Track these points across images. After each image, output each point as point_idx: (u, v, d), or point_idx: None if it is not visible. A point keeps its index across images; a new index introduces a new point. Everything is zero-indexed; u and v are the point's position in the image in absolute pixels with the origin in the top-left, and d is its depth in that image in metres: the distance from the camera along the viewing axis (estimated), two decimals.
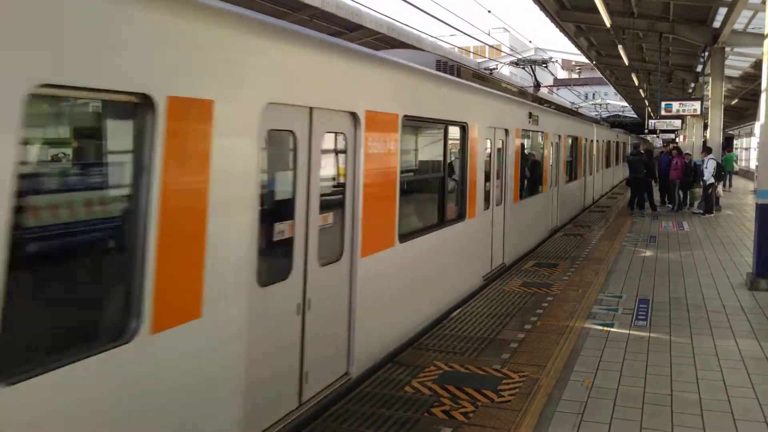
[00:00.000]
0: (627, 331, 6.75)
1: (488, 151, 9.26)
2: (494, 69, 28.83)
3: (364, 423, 4.51)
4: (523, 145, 11.56)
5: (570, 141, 16.61)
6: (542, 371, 5.55)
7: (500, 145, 9.91)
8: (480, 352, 6.06)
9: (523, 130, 11.18)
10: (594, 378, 5.43)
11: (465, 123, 7.97)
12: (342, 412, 4.68)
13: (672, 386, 5.24)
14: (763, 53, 9.38)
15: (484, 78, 10.60)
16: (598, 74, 41.87)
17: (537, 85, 16.00)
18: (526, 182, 11.86)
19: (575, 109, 37.36)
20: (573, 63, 70.23)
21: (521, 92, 13.80)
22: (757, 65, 20.52)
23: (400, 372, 5.49)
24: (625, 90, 43.94)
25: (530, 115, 11.69)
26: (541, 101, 16.68)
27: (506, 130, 10.05)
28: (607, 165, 26.54)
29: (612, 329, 6.82)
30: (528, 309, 7.60)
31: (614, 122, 43.02)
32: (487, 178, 9.14)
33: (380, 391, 5.06)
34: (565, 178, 15.74)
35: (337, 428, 4.44)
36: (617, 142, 30.89)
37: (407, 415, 4.65)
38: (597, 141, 22.18)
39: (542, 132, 12.98)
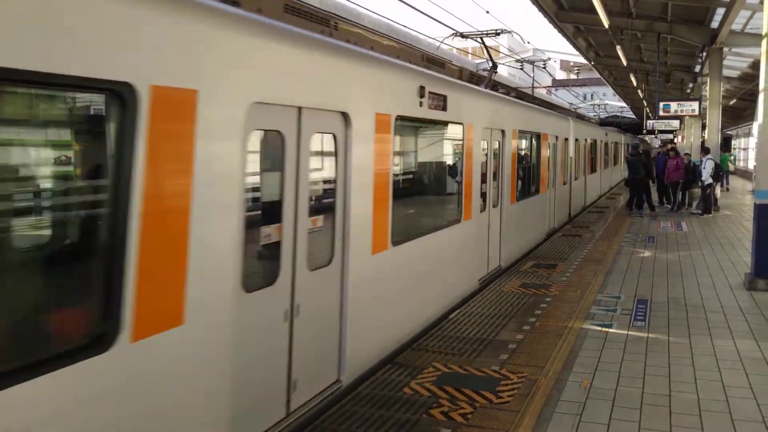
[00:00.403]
0: (625, 332, 6.75)
1: (252, 158, 4.16)
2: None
3: (363, 424, 4.51)
4: (411, 145, 7.46)
5: (528, 140, 12.40)
6: (541, 372, 5.56)
7: (330, 146, 5.13)
8: (478, 353, 6.06)
9: (402, 117, 6.24)
10: (592, 379, 5.43)
11: (125, 88, 3.07)
12: (340, 414, 4.68)
13: (670, 387, 5.25)
14: (761, 53, 9.39)
15: (310, 15, 6.21)
16: (596, 75, 41.92)
17: (494, 66, 12.27)
18: (411, 213, 7.19)
19: (578, 109, 37.23)
20: (571, 64, 70.32)
21: (421, 56, 9.34)
22: (755, 65, 20.58)
23: (399, 373, 5.49)
24: (624, 90, 44.01)
25: (422, 92, 6.70)
26: (495, 86, 12.35)
27: (345, 116, 5.19)
28: (593, 170, 22.00)
29: (610, 330, 6.82)
30: (526, 310, 7.60)
31: (612, 122, 43.01)
32: (270, 219, 4.37)
33: (379, 393, 5.06)
34: (513, 194, 10.73)
35: (335, 429, 4.44)
36: (607, 143, 26.37)
37: (406, 416, 4.66)
38: (576, 140, 17.87)
39: (460, 124, 8.07)
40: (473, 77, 12.45)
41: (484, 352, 6.07)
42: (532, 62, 31.59)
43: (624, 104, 55.60)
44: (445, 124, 7.94)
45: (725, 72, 22.24)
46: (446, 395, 5.03)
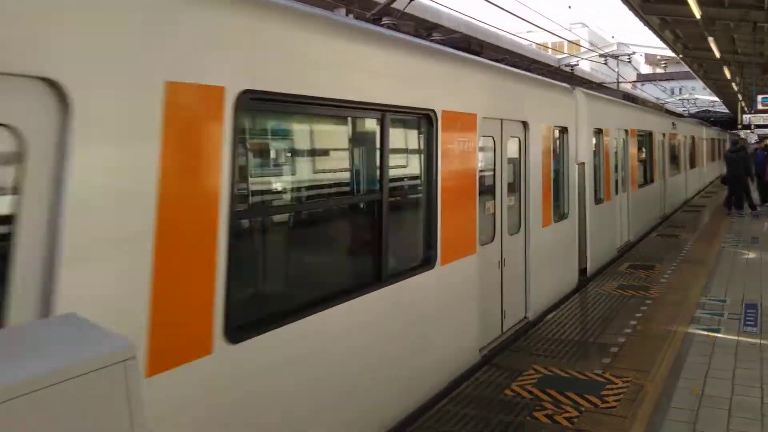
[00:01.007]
0: (735, 338, 6.40)
1: None
2: (575, 65, 28.12)
3: (467, 425, 4.49)
4: None
5: (415, 133, 5.11)
6: (647, 377, 5.35)
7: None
8: (579, 356, 5.91)
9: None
10: (703, 386, 5.18)
11: None
12: (443, 413, 4.68)
13: None
14: None
15: None
16: (684, 68, 40.00)
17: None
18: None
19: (666, 104, 35.49)
20: (658, 57, 67.39)
21: None
22: None
23: (498, 375, 5.43)
24: (715, 84, 41.77)
25: None
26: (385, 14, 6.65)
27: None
28: (646, 181, 14.44)
29: (719, 335, 6.49)
30: (627, 312, 7.35)
31: (703, 117, 40.89)
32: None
33: (480, 394, 5.03)
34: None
35: (440, 429, 4.44)
36: (675, 137, 18.42)
37: (509, 418, 4.60)
38: (599, 132, 10.11)
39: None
40: None
41: (584, 355, 5.92)
42: (615, 56, 30.55)
43: (716, 98, 52.80)
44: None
45: None
46: (549, 398, 4.93)
